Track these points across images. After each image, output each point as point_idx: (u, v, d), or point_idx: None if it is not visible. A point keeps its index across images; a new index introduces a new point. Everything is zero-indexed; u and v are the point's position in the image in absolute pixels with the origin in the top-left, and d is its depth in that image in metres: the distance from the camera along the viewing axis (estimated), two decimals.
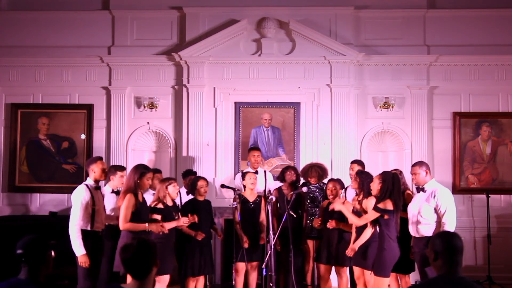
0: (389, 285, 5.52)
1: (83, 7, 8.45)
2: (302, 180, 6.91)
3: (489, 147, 8.11)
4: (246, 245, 6.20)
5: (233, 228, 6.30)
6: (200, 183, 6.21)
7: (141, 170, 5.28)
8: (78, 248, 5.12)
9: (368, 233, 5.46)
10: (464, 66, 8.11)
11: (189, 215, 5.92)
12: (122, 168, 5.96)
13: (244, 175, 6.57)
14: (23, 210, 8.19)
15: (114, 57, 8.17)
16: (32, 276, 2.97)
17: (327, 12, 8.13)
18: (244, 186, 6.50)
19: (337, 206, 5.65)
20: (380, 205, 5.17)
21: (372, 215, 5.19)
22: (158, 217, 5.58)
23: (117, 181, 5.85)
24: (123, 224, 5.13)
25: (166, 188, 5.83)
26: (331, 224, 5.93)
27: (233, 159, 7.95)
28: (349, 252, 5.61)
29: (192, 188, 6.28)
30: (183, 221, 5.80)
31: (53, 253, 3.09)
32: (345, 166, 7.49)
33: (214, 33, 8.03)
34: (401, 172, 6.24)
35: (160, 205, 5.75)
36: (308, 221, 6.62)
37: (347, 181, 6.78)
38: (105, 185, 6.23)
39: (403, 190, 5.72)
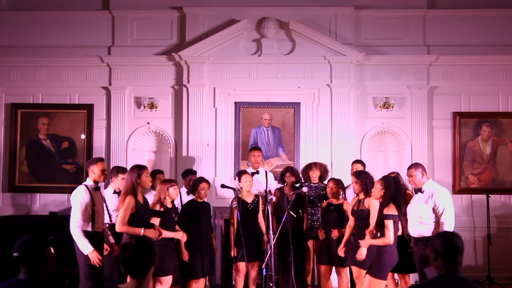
0: (386, 286, 5.51)
1: (83, 7, 8.45)
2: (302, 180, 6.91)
3: (489, 147, 8.11)
4: (233, 255, 6.31)
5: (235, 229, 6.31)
6: (202, 185, 6.18)
7: (137, 169, 5.25)
8: (85, 246, 5.10)
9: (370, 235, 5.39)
10: (464, 66, 8.11)
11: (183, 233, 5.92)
12: (124, 170, 5.97)
13: (239, 176, 6.56)
14: (23, 210, 8.19)
15: (114, 57, 8.17)
16: (32, 276, 2.97)
17: (327, 12, 8.13)
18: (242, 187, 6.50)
19: (364, 243, 5.38)
20: (385, 211, 5.16)
21: (390, 224, 5.12)
22: (157, 220, 5.56)
23: (119, 183, 5.88)
24: (119, 226, 5.10)
25: (167, 190, 5.82)
26: (334, 234, 6.00)
27: (233, 159, 7.95)
28: (359, 257, 5.42)
29: (193, 189, 6.28)
30: (180, 236, 5.82)
31: (52, 250, 3.08)
32: (345, 166, 7.51)
33: (214, 33, 8.03)
34: (398, 173, 6.25)
35: (159, 207, 5.73)
36: (309, 221, 6.61)
37: (348, 181, 6.78)
38: (106, 187, 6.25)
39: (403, 191, 5.74)
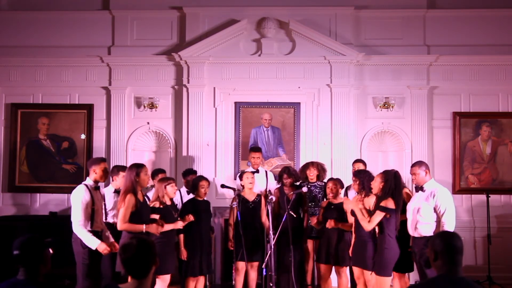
0: (392, 285, 5.51)
1: (83, 7, 8.45)
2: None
3: (489, 147, 8.11)
4: (230, 247, 6.34)
5: (233, 228, 6.31)
6: (202, 183, 6.20)
7: (135, 168, 5.26)
8: (92, 241, 5.11)
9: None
10: (464, 66, 8.11)
11: (185, 216, 5.94)
12: (125, 169, 5.97)
13: (241, 175, 6.57)
14: (23, 210, 8.19)
15: (114, 57, 8.17)
16: (31, 276, 2.97)
17: (327, 12, 8.13)
18: (243, 186, 6.50)
19: (348, 205, 5.51)
20: (382, 204, 5.16)
21: (379, 215, 5.15)
22: (156, 216, 5.58)
23: (120, 181, 5.88)
24: (121, 224, 5.12)
25: (165, 187, 5.83)
26: (329, 224, 5.94)
27: (233, 159, 7.95)
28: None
29: (193, 187, 6.28)
30: (180, 225, 5.83)
31: (51, 251, 3.08)
32: (345, 166, 7.52)
33: (214, 33, 8.03)
34: (397, 171, 6.24)
35: (158, 205, 5.75)
36: (309, 221, 6.60)
37: (348, 181, 6.77)
38: (105, 186, 6.26)
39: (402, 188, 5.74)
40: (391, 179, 5.25)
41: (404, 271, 5.86)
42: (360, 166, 6.79)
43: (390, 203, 5.16)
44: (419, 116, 8.02)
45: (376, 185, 5.31)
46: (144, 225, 5.13)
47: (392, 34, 8.19)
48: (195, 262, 6.05)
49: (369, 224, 5.22)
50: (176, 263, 6.18)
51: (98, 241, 5.12)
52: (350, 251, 5.76)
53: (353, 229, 5.72)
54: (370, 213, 5.35)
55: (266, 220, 6.29)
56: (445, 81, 8.13)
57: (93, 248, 5.11)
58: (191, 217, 5.97)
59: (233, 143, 7.98)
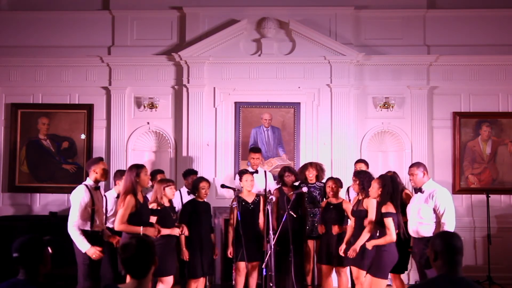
0: (390, 285, 5.51)
1: (83, 7, 8.46)
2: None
3: (489, 147, 8.11)
4: (229, 255, 6.32)
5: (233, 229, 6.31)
6: (202, 184, 6.19)
7: (135, 169, 5.25)
8: (83, 244, 5.11)
9: (366, 233, 5.41)
10: (464, 66, 8.11)
11: (182, 226, 5.94)
12: None
13: (240, 176, 6.56)
14: (23, 210, 8.19)
15: (114, 57, 8.17)
16: (31, 276, 2.97)
17: (327, 12, 8.13)
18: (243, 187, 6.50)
19: (369, 245, 5.36)
20: (383, 209, 5.17)
21: (390, 222, 5.12)
22: (154, 218, 5.57)
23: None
24: (118, 225, 5.10)
25: (163, 189, 5.82)
26: (335, 231, 6.01)
27: (233, 159, 7.95)
28: (350, 254, 5.52)
29: (193, 189, 6.27)
30: (177, 232, 5.83)
31: (50, 250, 3.08)
32: (345, 166, 7.53)
33: (214, 33, 8.03)
34: (394, 172, 6.27)
35: (156, 206, 5.73)
36: (309, 221, 6.60)
37: (348, 181, 6.77)
38: (106, 190, 6.25)
39: (401, 190, 5.75)
40: (388, 184, 5.26)
41: (399, 272, 5.87)
42: (362, 167, 6.79)
43: (390, 208, 5.17)
44: (419, 116, 8.02)
45: (374, 191, 5.31)
46: (142, 227, 5.12)
47: (392, 34, 8.19)
48: (196, 264, 6.04)
49: (390, 237, 5.14)
50: (177, 263, 6.17)
51: (88, 245, 5.10)
52: (341, 248, 5.77)
53: (350, 228, 5.75)
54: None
55: (262, 223, 6.29)
56: (445, 81, 8.13)
57: (83, 251, 5.11)
58: (186, 232, 5.96)
59: (233, 143, 7.98)
